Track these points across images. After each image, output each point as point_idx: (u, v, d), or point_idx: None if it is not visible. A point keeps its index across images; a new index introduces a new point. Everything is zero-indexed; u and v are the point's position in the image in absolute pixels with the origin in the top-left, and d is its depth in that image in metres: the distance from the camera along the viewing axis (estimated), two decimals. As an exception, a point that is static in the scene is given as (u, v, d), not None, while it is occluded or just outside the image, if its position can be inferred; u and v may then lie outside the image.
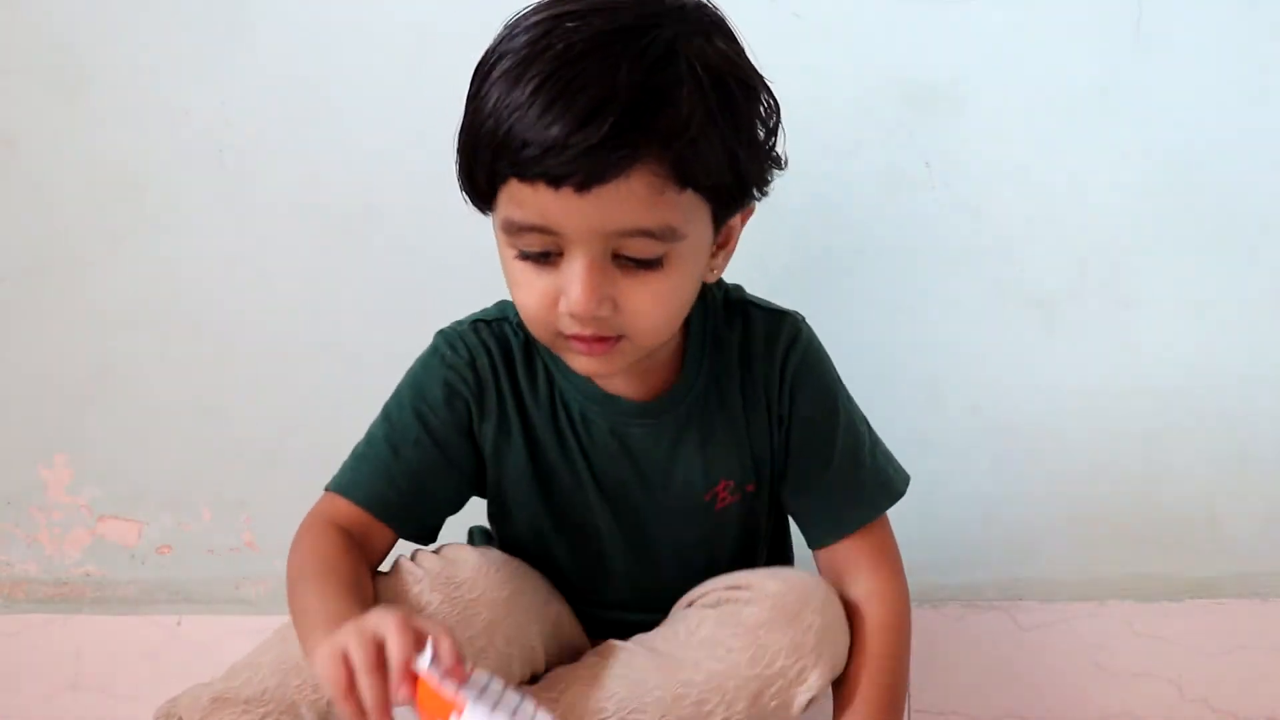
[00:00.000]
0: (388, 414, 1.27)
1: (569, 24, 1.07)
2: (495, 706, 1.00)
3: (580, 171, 1.03)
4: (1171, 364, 1.62)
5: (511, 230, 1.10)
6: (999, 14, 1.61)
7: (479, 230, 1.58)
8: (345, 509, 1.24)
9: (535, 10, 1.12)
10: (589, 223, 1.06)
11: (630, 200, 1.05)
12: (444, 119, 1.51)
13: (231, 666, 1.20)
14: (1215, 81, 1.61)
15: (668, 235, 1.08)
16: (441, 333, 1.28)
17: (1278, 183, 1.61)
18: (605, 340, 1.11)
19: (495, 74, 1.09)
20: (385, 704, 0.99)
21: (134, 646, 1.64)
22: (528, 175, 1.06)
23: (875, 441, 1.30)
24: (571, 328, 1.11)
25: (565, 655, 1.29)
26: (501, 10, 1.47)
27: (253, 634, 1.62)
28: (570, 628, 1.31)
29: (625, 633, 1.25)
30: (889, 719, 1.20)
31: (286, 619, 1.18)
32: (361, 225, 1.65)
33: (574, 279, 1.08)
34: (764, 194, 1.16)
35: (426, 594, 1.18)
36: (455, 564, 1.21)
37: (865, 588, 1.25)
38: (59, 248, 1.66)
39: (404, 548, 1.30)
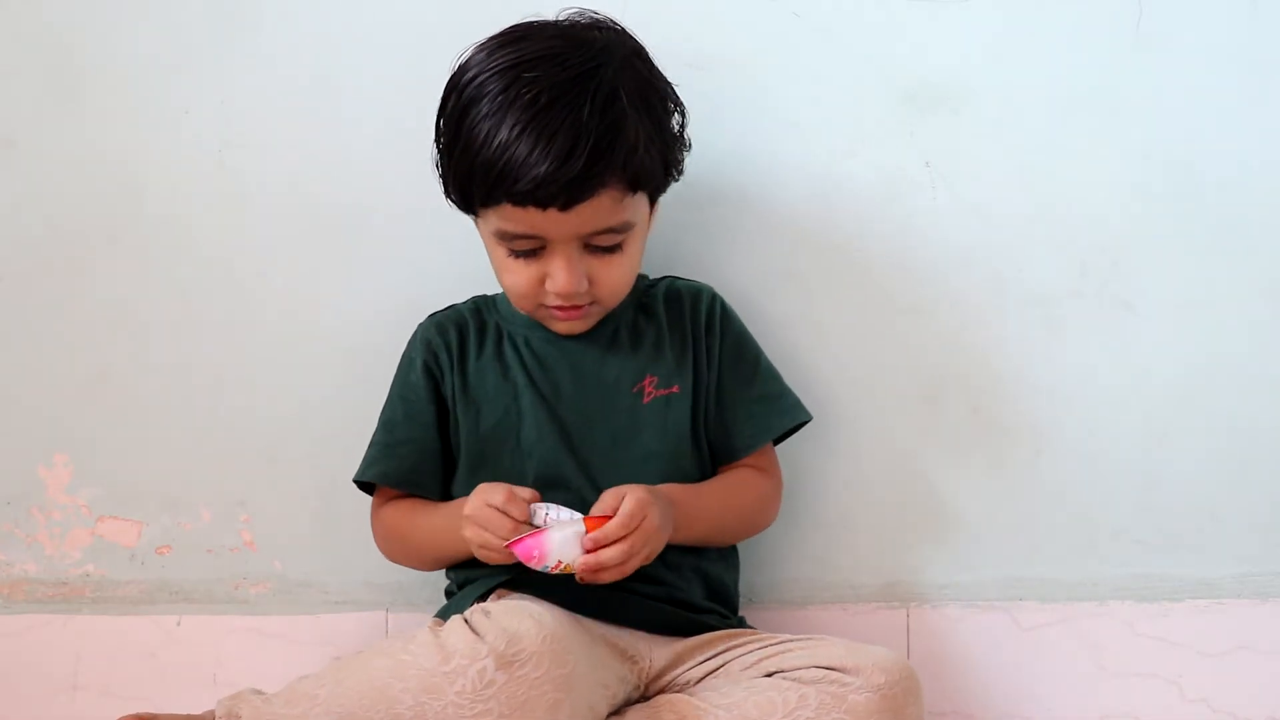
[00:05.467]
0: (387, 400, 1.53)
1: (526, 75, 1.35)
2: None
3: (563, 195, 1.34)
4: (1171, 364, 1.62)
5: (505, 238, 1.40)
6: (999, 14, 1.61)
7: (474, 232, 1.59)
8: (380, 491, 1.51)
9: (491, 55, 1.39)
10: (570, 229, 1.38)
11: (600, 210, 1.37)
12: (444, 119, 1.52)
13: (293, 685, 1.31)
14: (1215, 81, 1.61)
15: (625, 228, 1.41)
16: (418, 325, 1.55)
17: (1278, 183, 1.61)
18: (580, 307, 1.43)
19: (475, 115, 1.36)
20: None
21: (134, 646, 1.64)
22: (521, 203, 1.35)
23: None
24: (554, 302, 1.42)
25: (618, 690, 1.39)
26: (501, 11, 1.48)
27: (252, 634, 1.63)
28: (614, 661, 1.40)
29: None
30: (716, 505, 1.46)
31: (339, 657, 1.33)
32: (361, 225, 1.65)
33: (558, 269, 1.40)
34: (680, 175, 1.47)
35: (491, 671, 1.24)
36: (518, 639, 1.25)
37: (771, 477, 1.54)
38: (59, 248, 1.66)
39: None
